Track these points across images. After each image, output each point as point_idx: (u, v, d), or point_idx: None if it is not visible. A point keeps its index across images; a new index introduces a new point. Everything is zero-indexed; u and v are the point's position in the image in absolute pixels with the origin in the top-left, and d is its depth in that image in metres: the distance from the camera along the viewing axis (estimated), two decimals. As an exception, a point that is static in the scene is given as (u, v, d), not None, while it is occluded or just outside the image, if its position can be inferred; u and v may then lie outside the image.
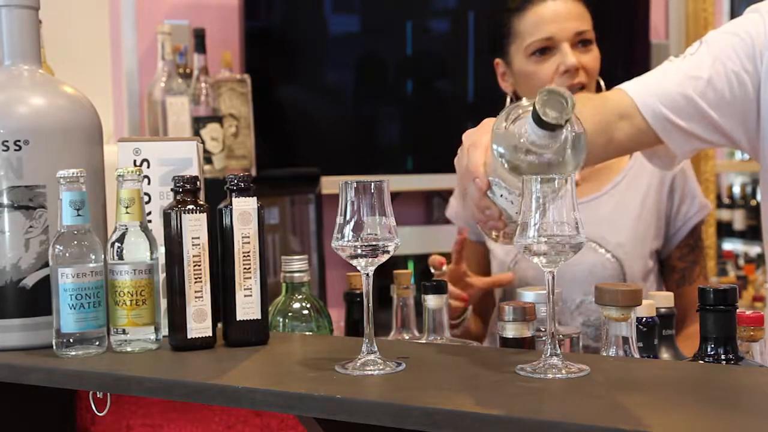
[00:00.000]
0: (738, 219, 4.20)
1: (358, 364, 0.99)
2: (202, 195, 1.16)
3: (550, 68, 1.72)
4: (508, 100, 1.82)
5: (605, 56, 1.80)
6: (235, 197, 1.13)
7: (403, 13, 2.79)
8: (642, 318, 1.15)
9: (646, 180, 1.77)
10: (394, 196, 1.09)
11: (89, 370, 1.05)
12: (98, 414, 1.25)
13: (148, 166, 1.20)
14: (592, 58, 1.74)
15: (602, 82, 1.78)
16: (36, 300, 1.14)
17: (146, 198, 1.19)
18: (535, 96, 1.85)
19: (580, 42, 1.73)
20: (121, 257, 1.11)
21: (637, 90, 1.39)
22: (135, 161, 1.20)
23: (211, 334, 1.13)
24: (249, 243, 1.13)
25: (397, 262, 2.47)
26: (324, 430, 0.94)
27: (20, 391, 1.15)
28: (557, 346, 0.96)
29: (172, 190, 1.13)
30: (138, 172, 1.12)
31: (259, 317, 1.14)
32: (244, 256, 1.13)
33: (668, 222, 1.78)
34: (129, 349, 1.12)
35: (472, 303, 1.71)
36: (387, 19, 2.80)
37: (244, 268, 1.13)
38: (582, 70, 1.71)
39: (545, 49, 1.72)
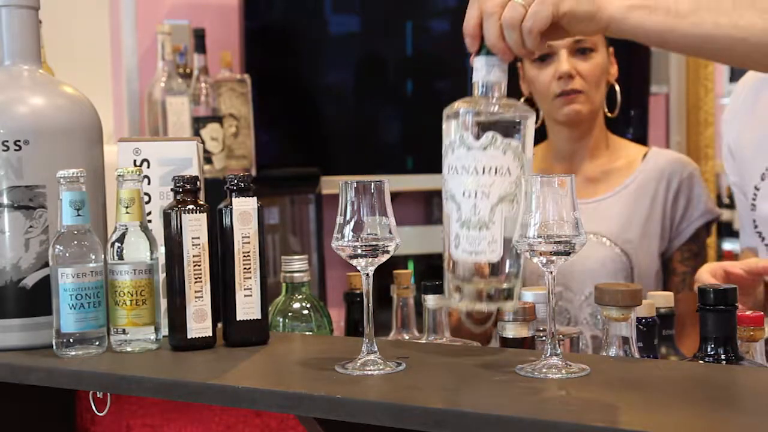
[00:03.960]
0: (738, 219, 4.18)
1: (358, 364, 0.99)
2: (202, 195, 1.16)
3: (548, 74, 1.76)
4: (522, 100, 1.84)
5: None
6: (235, 197, 1.13)
7: (403, 13, 2.79)
8: (642, 318, 1.15)
9: (655, 183, 1.82)
10: (394, 196, 1.09)
11: (89, 370, 1.05)
12: (98, 414, 1.25)
13: (148, 166, 1.20)
14: (591, 65, 1.77)
15: (617, 87, 1.81)
16: (36, 300, 1.14)
17: (146, 198, 1.19)
18: (540, 99, 1.85)
19: (579, 49, 1.76)
20: (121, 257, 1.11)
21: None
22: (135, 161, 1.20)
23: (211, 334, 1.13)
24: (249, 243, 1.13)
25: (397, 262, 2.46)
26: (324, 430, 0.94)
27: (20, 391, 1.15)
28: (557, 346, 0.96)
29: (172, 190, 1.13)
30: (138, 172, 1.12)
31: (259, 317, 1.14)
32: (244, 256, 1.13)
33: (672, 225, 1.82)
34: (129, 349, 1.12)
35: None
36: (387, 19, 2.79)
37: (244, 268, 1.13)
38: (578, 77, 1.75)
39: (546, 56, 1.76)
